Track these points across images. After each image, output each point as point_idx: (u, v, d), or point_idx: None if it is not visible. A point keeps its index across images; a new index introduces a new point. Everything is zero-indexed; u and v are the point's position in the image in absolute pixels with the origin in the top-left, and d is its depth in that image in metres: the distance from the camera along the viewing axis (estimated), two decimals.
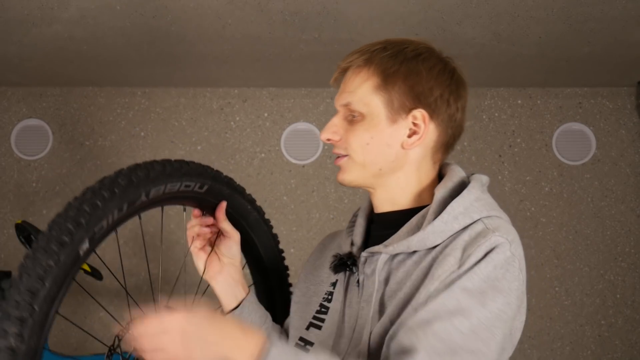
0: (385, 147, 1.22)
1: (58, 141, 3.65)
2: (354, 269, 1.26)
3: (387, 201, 1.27)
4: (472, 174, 1.27)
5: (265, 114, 3.62)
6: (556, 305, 3.45)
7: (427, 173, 1.27)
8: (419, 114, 1.22)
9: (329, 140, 1.25)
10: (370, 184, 1.26)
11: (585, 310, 3.44)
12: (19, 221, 2.77)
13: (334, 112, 1.30)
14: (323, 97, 3.55)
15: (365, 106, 1.22)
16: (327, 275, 1.34)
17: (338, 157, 1.26)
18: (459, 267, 1.11)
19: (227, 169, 3.60)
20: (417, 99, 1.22)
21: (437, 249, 1.17)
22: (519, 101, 3.57)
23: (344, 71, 1.27)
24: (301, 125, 3.60)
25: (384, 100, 1.22)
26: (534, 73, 3.33)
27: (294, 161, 3.57)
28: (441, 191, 1.21)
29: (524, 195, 3.52)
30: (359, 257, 1.26)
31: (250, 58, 3.16)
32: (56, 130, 3.65)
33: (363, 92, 1.23)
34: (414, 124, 1.22)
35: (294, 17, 2.68)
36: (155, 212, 4.00)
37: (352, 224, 1.36)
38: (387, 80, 1.22)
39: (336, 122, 1.25)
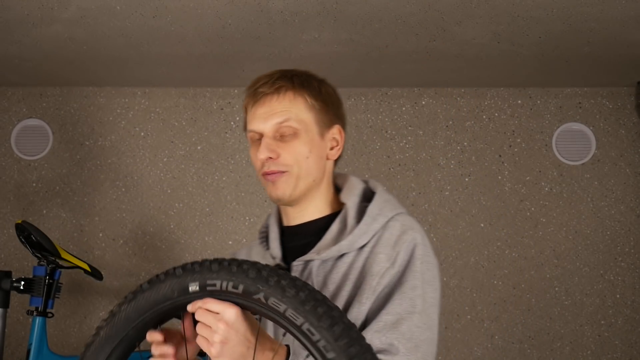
0: (319, 159, 1.39)
1: (58, 141, 3.65)
2: None
3: (307, 212, 1.40)
4: (366, 180, 1.46)
5: None
6: (556, 305, 3.45)
7: (331, 182, 1.45)
8: (336, 129, 1.42)
9: (270, 158, 1.34)
10: (300, 196, 1.38)
11: (585, 310, 3.44)
12: (19, 221, 2.76)
13: None
14: None
15: (300, 123, 1.36)
16: None
17: (270, 174, 1.35)
18: (392, 263, 1.29)
19: (227, 169, 3.60)
20: (335, 116, 1.42)
21: (366, 249, 1.33)
22: (519, 101, 3.57)
23: (265, 95, 1.36)
24: None
25: (314, 118, 1.38)
26: (534, 73, 3.34)
27: None
28: (353, 198, 1.39)
29: (524, 195, 3.52)
30: (289, 267, 1.37)
31: (250, 58, 3.16)
32: (56, 130, 3.65)
33: (297, 110, 1.36)
34: (333, 138, 1.41)
35: (294, 17, 2.68)
36: (155, 212, 3.98)
37: (264, 239, 1.48)
38: (315, 99, 1.38)
39: (270, 142, 1.35)
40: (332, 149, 1.41)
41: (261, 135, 1.37)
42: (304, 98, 1.37)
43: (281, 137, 1.35)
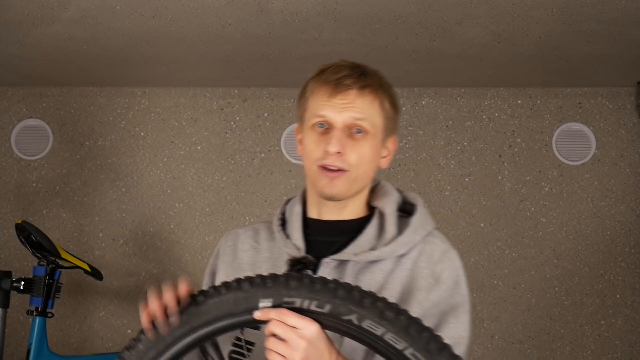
0: (375, 166, 1.36)
1: (58, 141, 3.65)
2: (310, 272, 1.31)
3: (344, 210, 1.36)
4: (401, 190, 1.44)
5: (265, 114, 3.62)
6: (556, 305, 3.45)
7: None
8: (393, 139, 1.39)
9: (339, 153, 1.29)
10: (347, 197, 1.34)
11: (585, 310, 3.44)
12: (19, 221, 2.77)
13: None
14: None
15: (372, 126, 1.31)
16: None
17: (332, 170, 1.30)
18: (436, 280, 1.29)
19: (227, 169, 3.60)
20: (396, 125, 1.39)
21: (406, 260, 1.32)
22: (519, 101, 3.57)
23: (349, 88, 1.31)
24: None
25: (383, 124, 1.34)
26: (534, 73, 3.33)
27: (294, 161, 3.57)
28: (390, 205, 1.37)
29: (524, 195, 3.52)
30: (317, 262, 1.32)
31: (250, 58, 3.16)
32: (56, 130, 3.65)
33: (373, 113, 1.32)
34: (386, 147, 1.38)
35: (294, 17, 2.68)
36: (155, 212, 3.97)
37: (282, 226, 1.42)
38: (390, 106, 1.35)
39: (341, 136, 1.29)
40: (383, 157, 1.38)
41: (329, 125, 1.31)
42: (381, 103, 1.33)
43: (350, 134, 1.31)
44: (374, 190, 1.42)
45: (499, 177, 3.54)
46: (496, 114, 3.57)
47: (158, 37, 2.90)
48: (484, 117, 3.57)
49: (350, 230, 1.35)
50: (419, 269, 1.30)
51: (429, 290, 1.27)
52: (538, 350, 3.42)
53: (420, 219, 1.37)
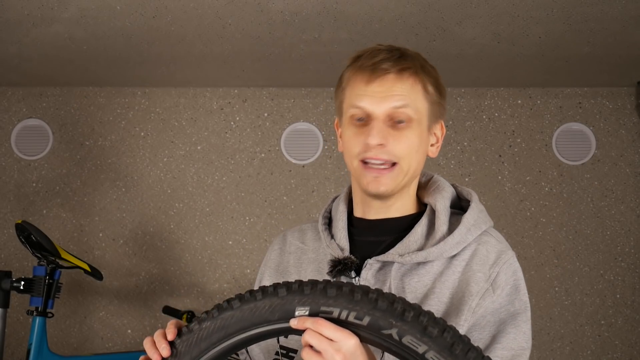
0: (424, 154, 1.26)
1: (58, 141, 3.65)
2: (353, 274, 1.24)
3: (392, 208, 1.27)
4: (455, 185, 1.34)
5: (265, 114, 3.63)
6: (556, 305, 3.45)
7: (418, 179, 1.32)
8: (440, 124, 1.29)
9: (380, 145, 1.20)
10: (397, 192, 1.25)
11: (585, 310, 3.44)
12: (19, 221, 2.76)
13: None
14: (323, 97, 3.55)
15: (416, 112, 1.21)
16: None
17: (376, 165, 1.21)
18: (491, 284, 1.19)
19: (227, 169, 3.60)
20: (443, 109, 1.28)
21: (457, 262, 1.22)
22: (519, 101, 3.57)
23: (387, 73, 1.22)
24: (301, 125, 3.60)
25: (428, 109, 1.24)
26: (534, 73, 3.34)
27: (294, 161, 3.57)
28: (442, 202, 1.26)
29: (524, 195, 3.52)
30: (360, 263, 1.24)
31: (250, 58, 3.16)
32: (56, 130, 3.65)
33: (415, 97, 1.22)
34: (434, 134, 1.28)
35: (294, 17, 2.68)
36: (155, 212, 3.97)
37: (327, 227, 1.34)
38: (434, 89, 1.25)
39: (382, 127, 1.20)
40: (432, 145, 1.28)
41: (368, 116, 1.21)
42: (424, 85, 1.22)
43: (392, 124, 1.20)
44: (426, 186, 1.32)
45: (499, 177, 3.54)
46: (496, 114, 3.58)
47: (158, 37, 2.90)
48: (484, 117, 3.57)
49: (398, 229, 1.26)
50: (471, 272, 1.20)
51: (482, 296, 1.18)
52: (538, 350, 3.42)
53: (473, 216, 1.25)
